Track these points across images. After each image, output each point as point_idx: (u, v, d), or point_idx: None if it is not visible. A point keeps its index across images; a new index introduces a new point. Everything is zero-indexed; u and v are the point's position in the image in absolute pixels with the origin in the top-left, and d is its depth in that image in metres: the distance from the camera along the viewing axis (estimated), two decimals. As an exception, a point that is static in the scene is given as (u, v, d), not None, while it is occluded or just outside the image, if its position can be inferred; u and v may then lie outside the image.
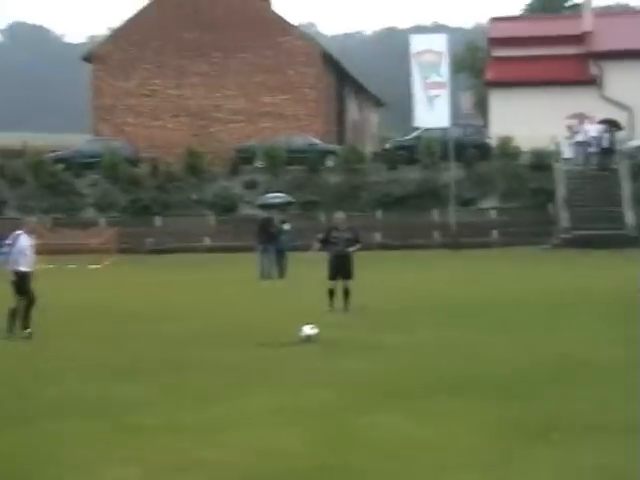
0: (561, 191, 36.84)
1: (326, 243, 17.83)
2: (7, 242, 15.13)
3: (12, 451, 7.69)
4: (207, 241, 39.11)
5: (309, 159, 41.08)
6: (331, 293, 17.46)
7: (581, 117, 40.18)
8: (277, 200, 33.01)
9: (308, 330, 13.48)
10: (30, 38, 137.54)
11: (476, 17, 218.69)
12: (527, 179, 39.30)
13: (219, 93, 49.54)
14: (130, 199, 41.11)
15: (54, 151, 44.28)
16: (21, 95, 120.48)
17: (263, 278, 26.44)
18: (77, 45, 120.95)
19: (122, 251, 35.66)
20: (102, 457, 7.42)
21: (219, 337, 14.39)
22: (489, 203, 39.51)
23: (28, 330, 14.83)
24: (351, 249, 17.61)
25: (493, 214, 38.83)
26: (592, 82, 45.47)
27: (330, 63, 51.57)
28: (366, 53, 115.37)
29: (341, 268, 17.46)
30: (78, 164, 42.18)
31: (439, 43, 38.78)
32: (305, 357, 12.15)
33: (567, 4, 69.16)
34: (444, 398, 9.24)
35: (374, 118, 65.10)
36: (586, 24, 47.60)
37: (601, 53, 45.74)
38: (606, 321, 15.09)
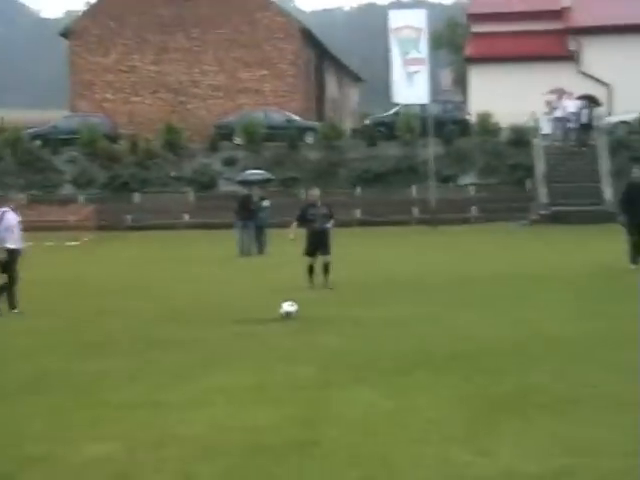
0: (540, 167, 36.96)
1: (303, 220, 17.90)
2: None
3: (-11, 428, 7.70)
4: (186, 218, 39.04)
5: (288, 135, 41.00)
6: (310, 269, 17.52)
7: (560, 93, 40.24)
8: (256, 177, 32.97)
9: (287, 307, 13.52)
10: (5, 13, 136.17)
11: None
12: (506, 155, 39.40)
13: (197, 69, 49.33)
14: (109, 175, 40.93)
15: (31, 127, 43.98)
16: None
17: (242, 255, 26.46)
18: (54, 20, 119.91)
19: (101, 228, 35.56)
20: (82, 433, 7.46)
21: (197, 314, 14.41)
22: (468, 179, 39.60)
23: (16, 310, 14.77)
24: (329, 225, 17.72)
25: (472, 190, 38.93)
26: (571, 58, 45.55)
27: (309, 39, 51.39)
28: (345, 29, 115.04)
29: (319, 244, 17.53)
30: (56, 140, 41.92)
31: (418, 19, 38.64)
32: (283, 334, 12.20)
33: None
34: (422, 374, 9.32)
35: (353, 94, 65.00)
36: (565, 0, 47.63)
37: (580, 28, 45.77)
38: (581, 296, 15.23)
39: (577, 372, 9.25)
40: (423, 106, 38.47)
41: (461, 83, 53.53)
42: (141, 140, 42.31)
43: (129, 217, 39.03)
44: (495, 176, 39.16)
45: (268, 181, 33.73)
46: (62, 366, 10.32)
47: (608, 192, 35.04)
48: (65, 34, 51.51)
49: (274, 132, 41.17)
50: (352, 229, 33.50)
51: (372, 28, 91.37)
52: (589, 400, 8.08)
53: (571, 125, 38.45)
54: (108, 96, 49.55)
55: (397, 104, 40.51)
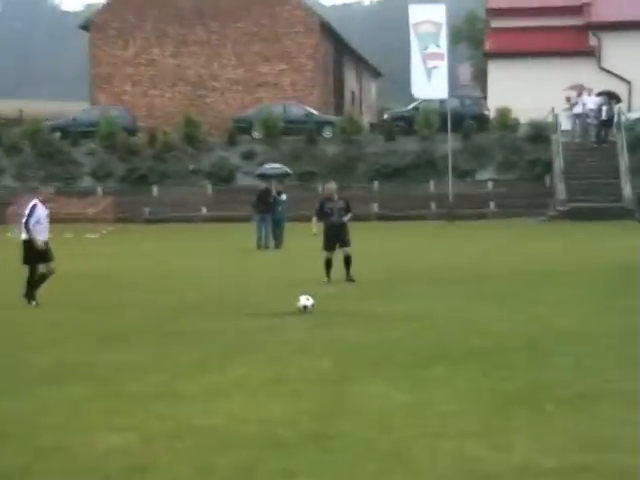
0: (558, 163, 36.83)
1: (321, 214, 17.84)
2: (25, 212, 14.98)
3: (7, 416, 7.74)
4: (204, 211, 39.14)
5: (307, 129, 41.00)
6: (328, 264, 17.46)
7: (579, 89, 40.11)
8: (275, 171, 33.06)
9: (304, 300, 13.53)
10: (26, 7, 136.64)
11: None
12: (525, 151, 39.29)
13: (217, 62, 49.39)
14: (127, 168, 41.08)
15: (51, 120, 44.17)
16: (18, 64, 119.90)
17: (260, 248, 26.50)
18: (74, 13, 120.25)
19: (119, 220, 35.71)
20: (98, 424, 7.49)
21: (215, 307, 14.45)
22: (486, 175, 39.51)
23: (34, 302, 14.84)
24: (345, 218, 17.61)
25: (490, 185, 38.83)
26: (591, 53, 45.35)
27: (328, 33, 51.36)
28: (365, 23, 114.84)
29: (337, 238, 17.47)
30: (75, 133, 42.09)
31: (438, 13, 38.59)
32: (300, 327, 12.21)
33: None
34: (438, 368, 9.30)
35: (372, 89, 64.91)
36: (585, -5, 47.38)
37: (600, 24, 45.55)
38: (599, 292, 15.18)
39: (594, 367, 9.22)
40: (442, 101, 38.42)
41: (480, 78, 53.35)
42: (160, 133, 42.43)
43: (147, 210, 39.16)
44: (513, 172, 39.06)
45: (286, 175, 33.80)
46: (80, 357, 10.36)
47: (627, 189, 34.88)
48: (85, 27, 51.71)
49: (292, 126, 41.21)
50: (370, 223, 33.50)
51: (392, 22, 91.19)
52: (606, 396, 8.05)
53: (590, 121, 38.28)
54: (127, 89, 49.71)
55: (416, 99, 40.48)
